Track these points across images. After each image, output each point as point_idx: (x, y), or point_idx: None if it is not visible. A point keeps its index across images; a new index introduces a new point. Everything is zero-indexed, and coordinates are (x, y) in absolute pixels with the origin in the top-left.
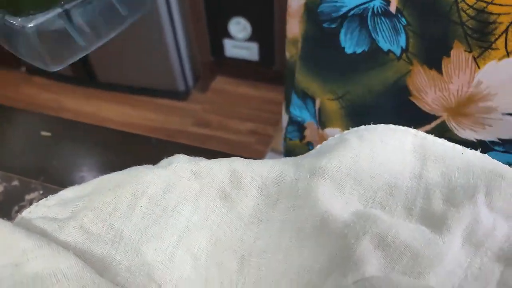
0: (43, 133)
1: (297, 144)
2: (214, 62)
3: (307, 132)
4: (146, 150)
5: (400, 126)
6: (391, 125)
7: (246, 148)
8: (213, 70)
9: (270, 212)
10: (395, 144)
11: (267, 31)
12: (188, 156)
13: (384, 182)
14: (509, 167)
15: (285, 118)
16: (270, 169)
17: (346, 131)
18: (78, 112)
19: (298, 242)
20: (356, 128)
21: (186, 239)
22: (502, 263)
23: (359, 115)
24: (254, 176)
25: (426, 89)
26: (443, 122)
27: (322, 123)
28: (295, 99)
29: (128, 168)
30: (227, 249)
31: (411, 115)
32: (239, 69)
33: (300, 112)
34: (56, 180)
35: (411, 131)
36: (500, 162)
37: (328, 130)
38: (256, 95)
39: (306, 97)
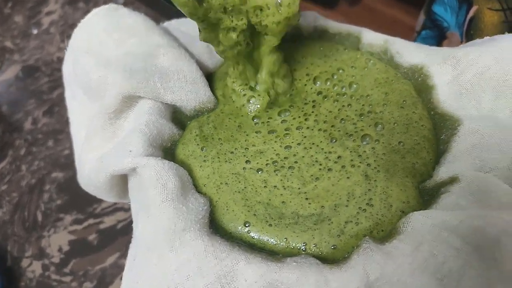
0: None
1: None
2: None
3: (445, 43)
4: None
5: None
6: None
7: None
8: None
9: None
10: None
11: None
12: None
13: None
14: None
15: (420, 20)
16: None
17: (501, 35)
18: None
19: None
20: None
21: None
22: None
23: None
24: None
25: None
26: None
27: (470, 35)
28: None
29: None
30: None
31: None
32: None
33: (450, 16)
34: None
35: None
36: None
37: None
38: (407, 21)
39: (465, 0)
